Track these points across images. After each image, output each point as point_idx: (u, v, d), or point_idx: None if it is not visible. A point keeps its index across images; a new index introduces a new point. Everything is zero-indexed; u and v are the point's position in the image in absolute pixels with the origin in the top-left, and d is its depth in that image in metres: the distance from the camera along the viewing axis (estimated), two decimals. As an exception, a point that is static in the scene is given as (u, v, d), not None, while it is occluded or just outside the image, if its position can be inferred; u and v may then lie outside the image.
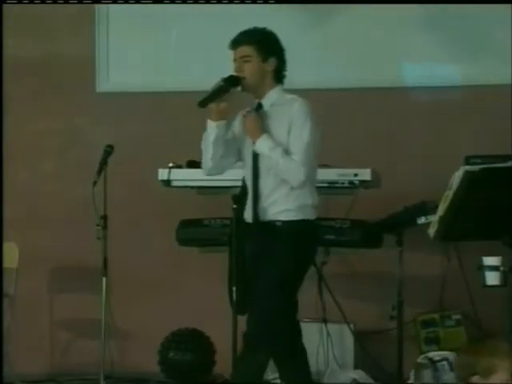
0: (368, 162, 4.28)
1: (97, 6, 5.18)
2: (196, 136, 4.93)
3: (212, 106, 3.45)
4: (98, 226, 4.18)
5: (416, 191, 4.39)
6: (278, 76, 3.54)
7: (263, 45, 3.50)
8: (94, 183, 4.11)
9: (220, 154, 3.52)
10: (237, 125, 3.58)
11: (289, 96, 3.51)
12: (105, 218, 4.18)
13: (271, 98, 3.51)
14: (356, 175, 4.11)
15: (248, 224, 3.50)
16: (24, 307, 4.91)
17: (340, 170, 4.14)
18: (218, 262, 4.05)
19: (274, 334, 3.38)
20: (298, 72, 4.84)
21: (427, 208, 3.99)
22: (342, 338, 4.49)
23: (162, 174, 4.24)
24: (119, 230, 4.35)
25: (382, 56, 4.87)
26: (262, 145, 3.40)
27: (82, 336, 5.06)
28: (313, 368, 4.34)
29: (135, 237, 4.95)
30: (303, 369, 3.54)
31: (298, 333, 3.49)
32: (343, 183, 4.13)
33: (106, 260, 4.23)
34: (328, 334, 4.41)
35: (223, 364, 4.19)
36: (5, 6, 5.12)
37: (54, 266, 5.15)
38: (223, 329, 3.78)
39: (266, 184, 3.45)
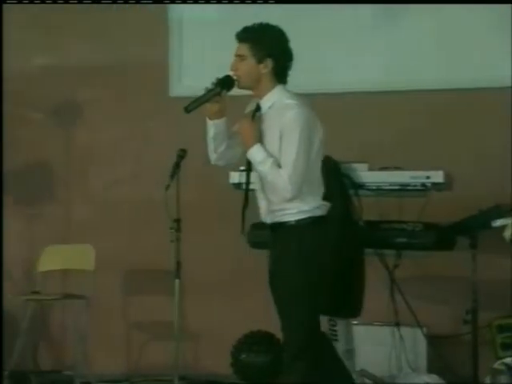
0: (441, 164, 4.23)
1: (170, 10, 5.27)
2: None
3: (206, 107, 3.36)
4: (171, 228, 4.23)
5: (489, 194, 4.32)
6: (278, 76, 3.33)
7: (259, 45, 3.30)
8: (167, 187, 4.16)
9: (223, 148, 3.42)
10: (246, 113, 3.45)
11: (288, 100, 3.31)
12: (178, 221, 4.22)
13: (270, 100, 3.34)
14: (428, 177, 4.05)
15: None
16: (100, 309, 5.01)
17: (412, 173, 4.09)
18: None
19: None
20: (367, 74, 4.90)
21: (502, 211, 3.93)
22: (415, 342, 4.44)
23: (234, 177, 4.26)
24: (192, 232, 4.39)
25: (452, 56, 4.81)
26: (253, 156, 3.29)
27: (156, 337, 5.14)
28: (385, 372, 4.35)
29: (207, 239, 5.00)
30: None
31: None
32: (415, 186, 4.08)
33: (178, 262, 4.27)
34: (401, 337, 4.37)
35: (295, 367, 4.19)
36: (82, 15, 5.26)
37: (128, 269, 5.25)
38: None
39: (266, 187, 3.39)
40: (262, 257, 4.54)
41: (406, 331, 4.39)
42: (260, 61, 3.31)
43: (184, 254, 4.29)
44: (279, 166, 3.25)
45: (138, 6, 5.25)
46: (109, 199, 5.33)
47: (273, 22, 3.37)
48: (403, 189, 4.06)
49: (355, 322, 4.21)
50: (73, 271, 5.15)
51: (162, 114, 5.23)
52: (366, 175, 4.07)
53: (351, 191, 4.02)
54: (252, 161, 3.33)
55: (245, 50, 3.33)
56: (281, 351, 4.41)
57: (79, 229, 5.36)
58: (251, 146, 3.29)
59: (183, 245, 4.27)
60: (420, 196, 4.16)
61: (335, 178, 4.00)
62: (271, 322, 4.53)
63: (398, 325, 4.36)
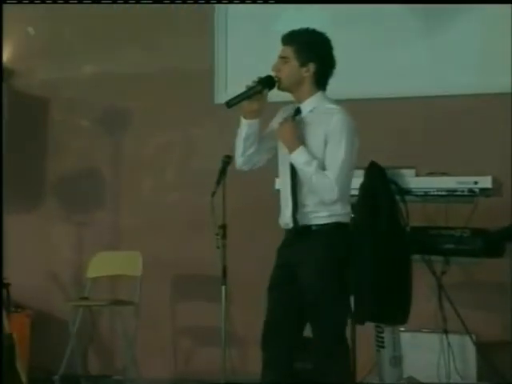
0: (489, 169, 4.17)
1: (216, 17, 5.31)
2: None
3: (244, 104, 3.36)
4: (217, 235, 4.24)
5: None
6: (319, 82, 3.37)
7: (303, 48, 3.33)
8: (213, 193, 4.17)
9: (251, 151, 3.45)
10: (277, 119, 3.46)
11: (330, 105, 3.35)
12: (224, 227, 4.23)
13: (310, 104, 3.36)
14: (476, 183, 4.00)
15: (287, 230, 3.44)
16: (147, 314, 5.06)
17: (459, 178, 4.05)
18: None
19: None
20: (410, 79, 4.88)
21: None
22: (464, 349, 4.38)
23: (278, 183, 4.26)
24: (237, 239, 4.40)
25: (497, 61, 4.76)
26: (298, 158, 3.29)
27: (204, 343, 5.16)
28: (433, 379, 4.30)
29: (253, 246, 5.01)
30: None
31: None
32: (463, 191, 4.03)
33: (225, 269, 4.28)
34: (449, 344, 4.32)
35: (341, 373, 4.17)
36: (131, 23, 5.32)
37: (175, 275, 5.29)
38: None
39: (301, 191, 3.36)
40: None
41: (454, 338, 4.34)
42: (303, 64, 3.35)
43: (230, 260, 4.31)
44: (323, 168, 3.28)
45: (186, 13, 5.30)
46: (156, 206, 5.38)
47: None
48: (450, 194, 4.02)
49: (402, 329, 4.18)
50: (121, 277, 5.21)
51: (207, 121, 5.27)
52: (413, 181, 4.04)
53: (398, 197, 3.99)
54: (296, 163, 3.32)
55: (289, 52, 3.37)
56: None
57: (127, 235, 5.42)
58: (295, 148, 3.30)
59: (229, 251, 4.28)
60: (468, 202, 4.12)
61: (382, 184, 3.98)
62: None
63: (446, 332, 4.31)
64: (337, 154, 3.27)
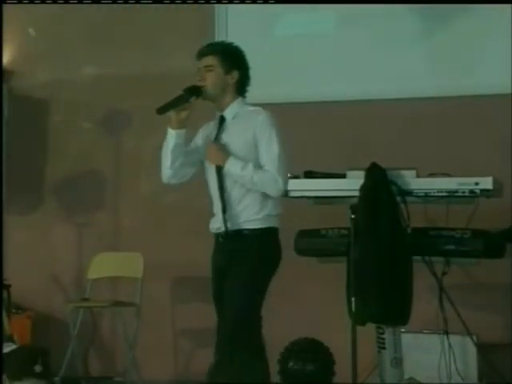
0: (490, 171, 4.17)
1: (216, 18, 5.32)
2: (313, 147, 5.01)
3: (171, 114, 3.48)
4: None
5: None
6: (241, 89, 3.57)
7: (227, 57, 3.54)
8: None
9: (179, 163, 3.54)
10: (200, 136, 3.61)
11: (251, 108, 3.53)
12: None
13: (233, 110, 3.53)
14: (477, 184, 3.99)
15: (217, 235, 3.51)
16: (148, 316, 5.06)
17: (460, 179, 4.04)
18: (337, 271, 4.05)
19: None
20: (412, 81, 4.89)
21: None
22: (465, 350, 4.39)
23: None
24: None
25: (495, 63, 4.76)
26: (232, 168, 3.42)
27: (204, 345, 5.14)
28: (434, 380, 4.30)
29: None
30: None
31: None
32: (464, 192, 4.02)
33: (225, 270, 4.29)
34: (450, 346, 4.32)
35: (342, 375, 4.18)
36: (131, 25, 5.33)
37: (176, 276, 5.29)
38: (342, 339, 3.78)
39: (232, 195, 3.46)
40: (309, 264, 4.57)
41: (455, 339, 4.34)
42: (228, 72, 3.53)
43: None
44: (260, 167, 3.42)
45: (186, 15, 5.31)
46: (157, 207, 5.38)
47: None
48: (451, 195, 4.02)
49: (403, 330, 4.17)
50: (122, 279, 5.21)
51: (207, 123, 5.26)
52: (414, 182, 4.03)
53: (399, 198, 3.99)
54: (233, 174, 3.43)
55: (213, 61, 3.52)
56: (328, 360, 4.46)
57: (128, 237, 5.42)
58: (226, 160, 3.43)
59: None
60: (469, 203, 4.12)
61: (383, 185, 3.98)
62: (319, 330, 4.54)
63: (447, 333, 4.31)
64: (271, 150, 3.44)
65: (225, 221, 3.45)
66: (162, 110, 3.49)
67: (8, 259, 5.59)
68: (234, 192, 3.48)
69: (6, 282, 4.96)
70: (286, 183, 3.51)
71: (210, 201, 3.60)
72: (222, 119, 3.56)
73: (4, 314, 4.76)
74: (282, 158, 3.45)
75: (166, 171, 3.57)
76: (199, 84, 3.51)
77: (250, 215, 3.47)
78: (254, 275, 3.44)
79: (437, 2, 4.82)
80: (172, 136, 3.51)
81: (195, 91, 3.49)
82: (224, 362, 3.48)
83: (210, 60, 3.53)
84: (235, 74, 3.54)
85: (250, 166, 3.41)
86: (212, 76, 3.51)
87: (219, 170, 3.48)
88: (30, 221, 5.60)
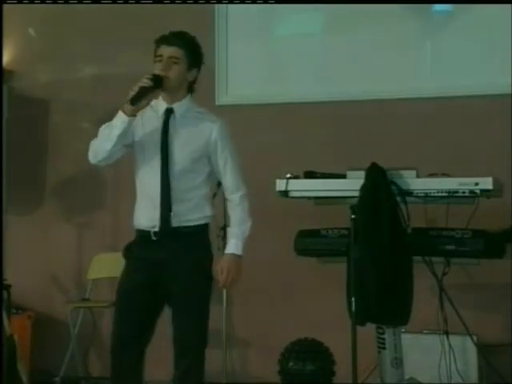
0: (489, 171, 4.17)
1: (216, 18, 5.32)
2: (313, 147, 5.01)
3: (143, 103, 3.35)
4: (218, 236, 4.25)
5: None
6: (192, 87, 3.51)
7: (191, 53, 3.46)
8: (214, 195, 4.17)
9: (118, 147, 3.43)
10: (139, 123, 3.46)
11: (199, 109, 3.50)
12: (224, 228, 4.24)
13: (183, 106, 3.46)
14: (477, 184, 3.99)
15: (148, 232, 3.43)
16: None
17: (460, 179, 4.03)
18: (336, 272, 4.05)
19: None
20: (412, 81, 4.90)
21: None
22: (465, 351, 4.39)
23: (280, 184, 4.26)
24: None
25: (497, 62, 4.76)
26: (240, 248, 3.50)
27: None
28: (435, 381, 4.30)
29: (253, 247, 4.99)
30: None
31: None
32: (464, 192, 4.01)
33: (226, 270, 4.29)
34: (450, 346, 4.32)
35: (342, 375, 4.18)
36: (132, 25, 5.32)
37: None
38: (342, 340, 3.78)
39: (177, 190, 3.40)
40: (310, 264, 4.57)
41: (455, 339, 4.35)
42: (189, 68, 3.46)
43: (231, 262, 4.30)
44: (220, 173, 3.49)
45: (186, 14, 5.30)
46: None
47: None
48: (451, 195, 4.01)
49: (403, 330, 4.17)
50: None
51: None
52: (414, 182, 4.03)
53: (398, 198, 3.99)
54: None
55: (179, 53, 3.44)
56: (328, 360, 4.46)
57: (128, 237, 5.39)
58: (239, 255, 3.50)
59: (230, 252, 4.28)
60: (469, 203, 4.12)
61: (382, 185, 3.98)
62: (319, 330, 4.55)
63: (447, 333, 4.31)
64: (234, 159, 3.51)
65: (166, 220, 3.38)
66: (136, 101, 3.35)
67: (8, 259, 5.59)
68: (178, 189, 3.41)
69: (6, 282, 4.95)
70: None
71: (141, 193, 3.51)
72: (170, 111, 3.47)
73: (4, 314, 4.76)
74: (239, 167, 3.55)
75: (103, 153, 3.42)
76: (163, 74, 3.39)
77: (193, 213, 3.43)
78: (205, 276, 3.45)
79: (437, 2, 4.82)
80: (124, 122, 3.36)
81: (160, 82, 3.38)
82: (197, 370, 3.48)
83: (177, 52, 3.44)
84: (194, 72, 3.49)
85: (243, 227, 3.52)
86: (177, 69, 3.42)
87: (165, 167, 3.41)
88: (31, 221, 5.60)
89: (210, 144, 3.45)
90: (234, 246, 3.49)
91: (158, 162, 3.42)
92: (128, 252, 3.53)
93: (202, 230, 3.47)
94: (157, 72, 3.38)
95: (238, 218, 3.53)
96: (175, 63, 3.42)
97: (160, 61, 3.43)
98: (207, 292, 3.46)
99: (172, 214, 3.39)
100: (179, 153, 3.42)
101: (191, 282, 3.40)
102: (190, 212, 3.43)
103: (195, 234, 3.44)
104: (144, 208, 3.48)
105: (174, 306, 3.44)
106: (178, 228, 3.39)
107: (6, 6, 5.49)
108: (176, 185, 3.41)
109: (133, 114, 3.37)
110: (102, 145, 3.41)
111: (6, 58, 5.68)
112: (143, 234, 3.46)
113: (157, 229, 3.40)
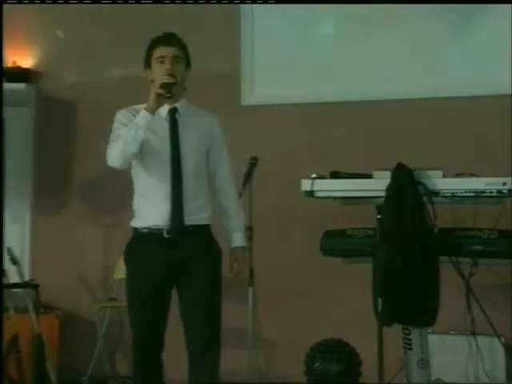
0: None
1: (242, 19, 5.32)
2: (339, 147, 5.00)
3: (160, 99, 3.37)
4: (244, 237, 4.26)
5: None
6: (184, 86, 3.53)
7: (187, 53, 3.53)
8: (240, 195, 4.19)
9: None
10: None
11: (194, 107, 3.52)
12: (250, 229, 4.25)
13: (184, 104, 3.50)
14: (505, 184, 3.96)
15: (155, 229, 3.43)
16: (174, 316, 5.07)
17: (488, 179, 4.01)
18: (362, 272, 4.04)
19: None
20: (439, 79, 4.87)
21: None
22: (492, 352, 4.36)
23: (306, 184, 4.26)
24: (264, 240, 4.41)
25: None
26: (243, 240, 3.62)
27: (230, 345, 5.14)
28: (462, 381, 4.28)
29: (279, 247, 5.01)
30: None
31: None
32: (491, 192, 3.99)
33: (252, 270, 4.30)
34: (477, 347, 4.30)
35: (369, 375, 4.17)
36: (158, 24, 5.33)
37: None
38: (368, 340, 3.77)
39: (188, 187, 3.43)
40: (335, 264, 4.56)
41: (482, 340, 4.32)
42: (186, 67, 3.52)
43: (256, 262, 4.31)
44: (214, 169, 3.55)
45: (212, 16, 5.32)
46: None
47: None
48: (478, 195, 3.99)
49: (430, 331, 4.15)
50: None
51: (234, 123, 5.26)
52: (441, 182, 4.01)
53: (425, 198, 3.97)
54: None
55: (180, 53, 3.48)
56: (354, 360, 4.44)
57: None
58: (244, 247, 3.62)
59: (256, 253, 4.29)
60: (496, 203, 4.08)
61: (409, 186, 3.96)
62: (345, 330, 4.53)
63: (474, 334, 4.29)
64: (227, 157, 3.61)
65: (179, 218, 3.39)
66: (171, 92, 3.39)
67: (36, 259, 5.66)
68: (188, 187, 3.43)
69: (34, 282, 5.00)
70: None
71: (147, 193, 3.51)
72: (175, 111, 3.50)
73: (33, 313, 4.80)
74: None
75: (130, 157, 3.42)
76: (173, 73, 3.40)
77: (202, 212, 3.48)
78: (219, 275, 3.53)
79: (437, 2, 4.79)
80: (148, 122, 3.38)
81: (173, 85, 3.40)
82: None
83: (177, 51, 3.48)
84: (188, 71, 3.54)
85: (240, 220, 3.62)
86: (180, 68, 3.47)
87: (176, 164, 3.43)
88: (58, 221, 5.64)
89: (211, 137, 3.54)
90: (240, 239, 3.60)
91: (167, 161, 3.43)
92: (132, 253, 3.52)
93: (210, 229, 3.53)
94: (167, 80, 3.38)
95: (236, 210, 3.62)
96: (178, 62, 3.46)
97: (162, 62, 3.45)
98: (221, 291, 3.54)
99: (184, 211, 3.41)
100: (190, 150, 3.46)
101: (211, 282, 3.46)
102: (199, 211, 3.47)
103: (207, 233, 3.50)
104: (153, 206, 3.46)
105: (191, 305, 3.46)
106: (191, 226, 3.42)
107: (32, 10, 5.57)
108: (186, 183, 3.44)
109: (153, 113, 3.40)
110: (129, 148, 3.39)
111: (34, 60, 5.74)
112: (152, 232, 3.44)
113: (169, 227, 3.40)
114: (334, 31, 5.21)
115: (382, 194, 3.94)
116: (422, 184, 3.97)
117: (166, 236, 3.41)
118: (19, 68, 5.70)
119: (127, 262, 3.53)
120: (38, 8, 5.57)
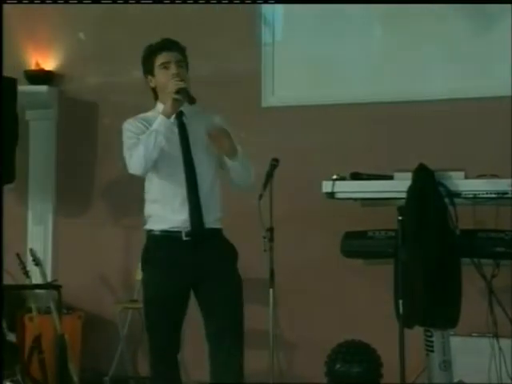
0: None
1: (262, 20, 5.33)
2: (360, 148, 4.99)
3: (180, 103, 3.39)
4: (264, 238, 4.26)
5: None
6: None
7: (187, 57, 3.52)
8: (260, 196, 4.19)
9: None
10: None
11: (196, 108, 3.49)
12: (271, 230, 4.25)
13: (188, 106, 3.46)
14: (527, 185, 3.95)
15: (173, 232, 3.39)
16: (195, 316, 5.08)
17: (510, 180, 3.99)
18: (383, 273, 4.03)
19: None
20: (456, 80, 4.84)
21: None
22: (515, 354, 4.33)
23: (326, 186, 4.26)
24: (284, 242, 4.40)
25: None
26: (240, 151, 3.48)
27: (251, 346, 5.14)
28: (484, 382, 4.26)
29: (300, 249, 5.00)
30: None
31: None
32: (514, 194, 3.97)
33: (272, 271, 4.30)
34: (500, 349, 4.27)
35: (390, 377, 4.15)
36: (179, 28, 5.35)
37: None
38: (390, 341, 3.75)
39: (202, 191, 3.41)
40: (356, 266, 4.56)
41: (505, 342, 4.29)
42: (187, 69, 3.51)
43: (277, 263, 4.31)
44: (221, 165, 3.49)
45: (233, 17, 5.33)
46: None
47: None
48: (501, 197, 3.96)
49: (452, 333, 4.14)
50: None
51: (255, 124, 5.27)
52: (462, 183, 4.00)
53: (447, 200, 3.95)
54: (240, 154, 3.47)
55: (183, 57, 3.48)
56: (375, 362, 4.43)
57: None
58: (237, 149, 3.47)
59: (276, 254, 4.29)
60: (518, 204, 4.06)
61: (430, 187, 3.95)
62: (366, 332, 4.52)
63: (496, 336, 4.26)
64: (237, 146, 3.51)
65: (200, 221, 3.38)
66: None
67: (59, 260, 5.70)
68: (203, 189, 3.42)
69: (56, 283, 5.04)
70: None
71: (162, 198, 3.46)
72: (181, 114, 3.49)
73: (55, 314, 4.84)
74: None
75: (151, 163, 3.40)
76: (181, 78, 3.41)
77: (215, 213, 3.47)
78: (239, 278, 3.53)
79: (437, 2, 4.76)
80: (167, 127, 3.40)
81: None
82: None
83: (180, 56, 3.48)
84: (188, 74, 3.52)
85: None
86: (184, 72, 3.48)
87: (190, 168, 3.41)
88: (80, 222, 5.67)
89: None
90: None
91: (180, 165, 3.42)
92: (149, 255, 3.49)
93: (223, 232, 3.52)
94: (183, 85, 3.38)
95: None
96: (181, 67, 3.46)
97: (166, 67, 3.45)
98: (242, 291, 3.54)
99: (203, 215, 3.40)
100: (201, 153, 3.45)
101: (232, 283, 3.47)
102: (215, 213, 3.47)
103: (222, 235, 3.51)
104: (170, 210, 3.43)
105: (216, 305, 3.46)
106: (208, 229, 3.42)
107: (54, 13, 5.61)
108: (201, 185, 3.42)
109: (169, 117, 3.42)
110: (150, 155, 3.39)
111: (56, 62, 5.79)
112: (171, 235, 3.41)
113: (188, 229, 3.38)
114: (357, 32, 5.18)
115: (404, 195, 3.93)
116: (444, 185, 3.96)
117: (184, 239, 3.40)
118: (42, 70, 5.75)
119: (144, 264, 3.51)
120: (60, 10, 5.61)
